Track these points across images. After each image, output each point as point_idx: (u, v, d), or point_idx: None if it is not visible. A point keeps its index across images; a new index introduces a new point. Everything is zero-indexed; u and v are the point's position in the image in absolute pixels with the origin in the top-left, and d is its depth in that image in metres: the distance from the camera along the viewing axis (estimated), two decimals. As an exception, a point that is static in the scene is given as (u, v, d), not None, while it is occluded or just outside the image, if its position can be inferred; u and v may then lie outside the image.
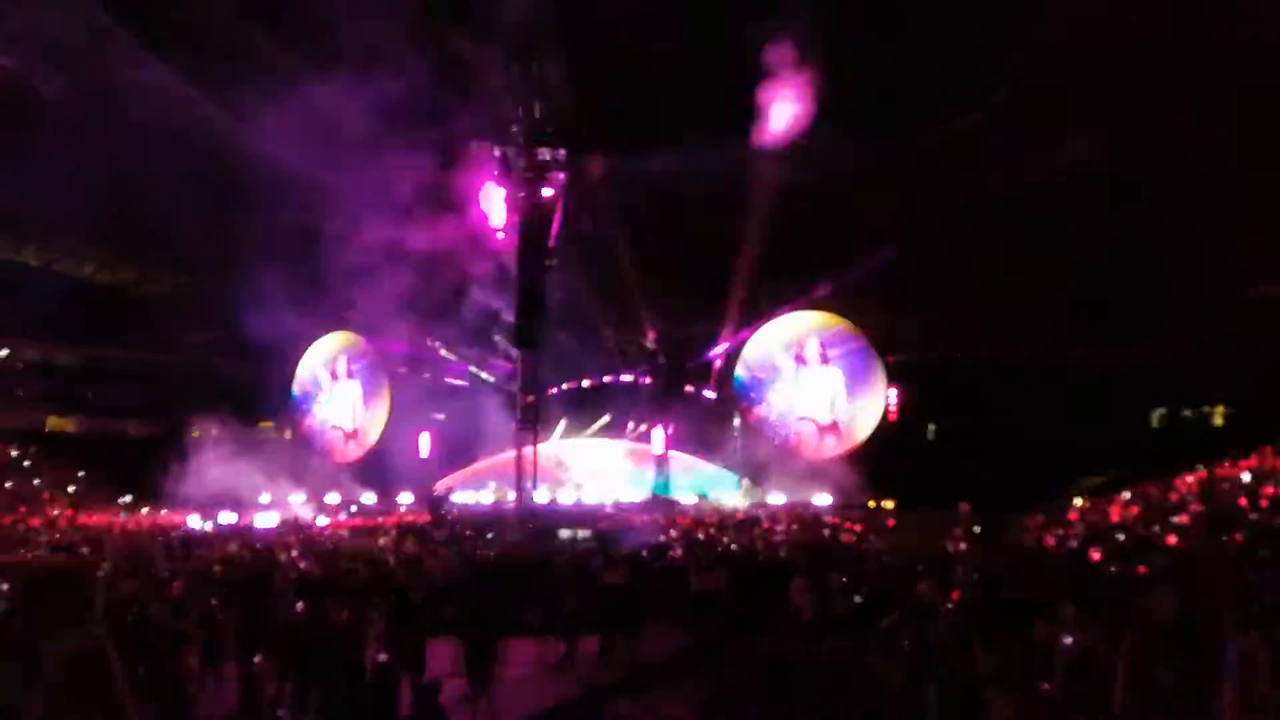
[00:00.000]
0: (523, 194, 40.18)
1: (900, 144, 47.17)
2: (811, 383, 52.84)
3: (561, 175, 40.86)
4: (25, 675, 11.89)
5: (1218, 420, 47.05)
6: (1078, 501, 38.51)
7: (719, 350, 55.25)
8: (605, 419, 56.25)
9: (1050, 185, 46.51)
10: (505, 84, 40.77)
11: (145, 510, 43.67)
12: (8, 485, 43.81)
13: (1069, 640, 9.66)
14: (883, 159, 46.95)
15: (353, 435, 58.34)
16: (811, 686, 14.37)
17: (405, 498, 51.61)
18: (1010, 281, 47.85)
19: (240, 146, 42.10)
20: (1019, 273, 47.33)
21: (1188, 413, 47.45)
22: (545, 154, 40.41)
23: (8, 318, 53.08)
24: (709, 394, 55.98)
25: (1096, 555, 19.69)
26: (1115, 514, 32.23)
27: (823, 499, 48.23)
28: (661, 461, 53.17)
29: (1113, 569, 16.12)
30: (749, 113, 44.02)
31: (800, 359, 53.13)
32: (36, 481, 45.92)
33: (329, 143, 40.92)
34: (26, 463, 47.43)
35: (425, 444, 53.63)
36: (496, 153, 40.74)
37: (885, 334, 52.69)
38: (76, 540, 29.75)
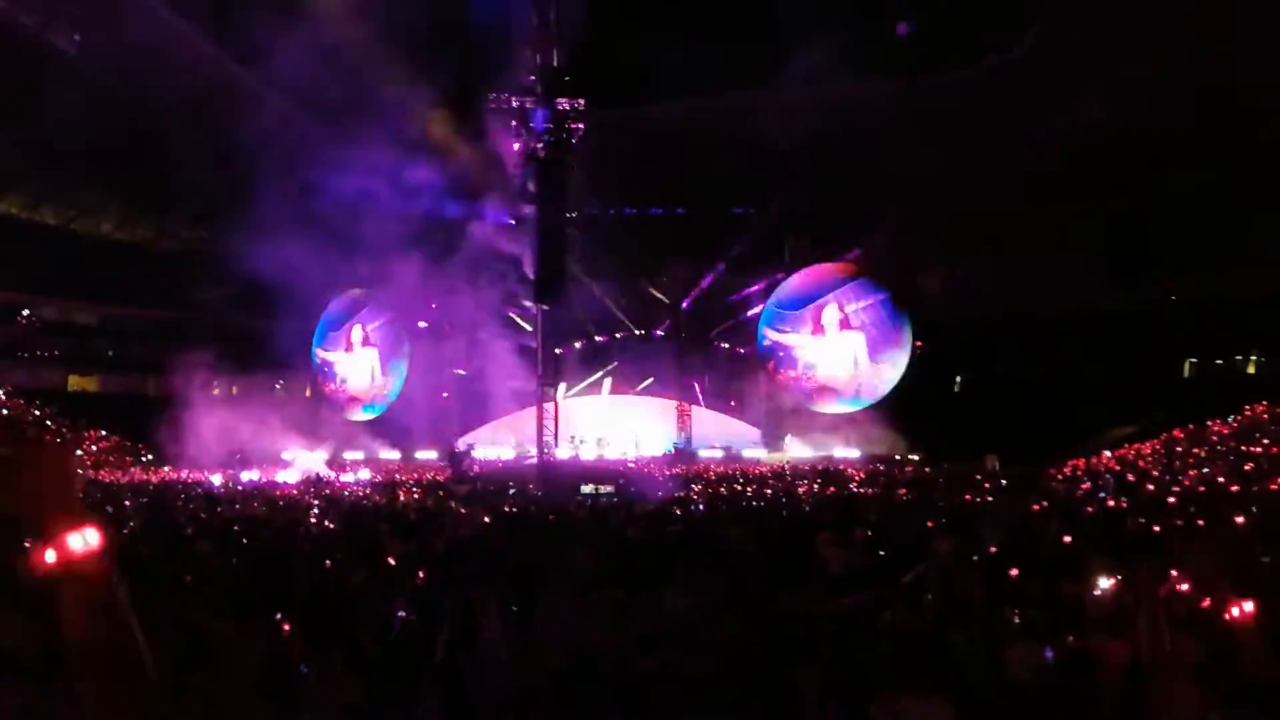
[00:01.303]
0: (542, 145, 39.61)
1: (926, 93, 46.45)
2: (835, 337, 52.38)
3: (581, 125, 40.28)
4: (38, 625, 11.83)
5: (1250, 369, 46.40)
6: (1107, 452, 38.17)
7: (743, 305, 54.85)
8: (612, 367, 55.85)
9: (1081, 132, 45.73)
10: (524, 32, 40.08)
11: (166, 468, 43.84)
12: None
13: (1098, 593, 9.37)
14: (909, 108, 46.24)
15: (372, 391, 58.38)
16: (836, 641, 14.18)
17: (426, 454, 51.74)
18: (1039, 231, 47.22)
19: (257, 99, 41.81)
20: (1048, 222, 46.68)
21: (1219, 361, 46.78)
22: (564, 104, 39.83)
23: (27, 276, 53.22)
24: (731, 348, 55.66)
25: (1125, 505, 19.37)
26: (1145, 463, 31.85)
27: (848, 453, 48.05)
28: (684, 416, 53.01)
29: (1142, 520, 15.77)
30: (773, 61, 43.22)
31: (825, 314, 52.61)
32: (58, 441, 46.18)
33: (347, 95, 40.58)
34: (48, 422, 47.72)
35: (445, 400, 53.64)
36: (515, 103, 40.14)
37: (912, 286, 52.16)
38: (97, 498, 29.80)
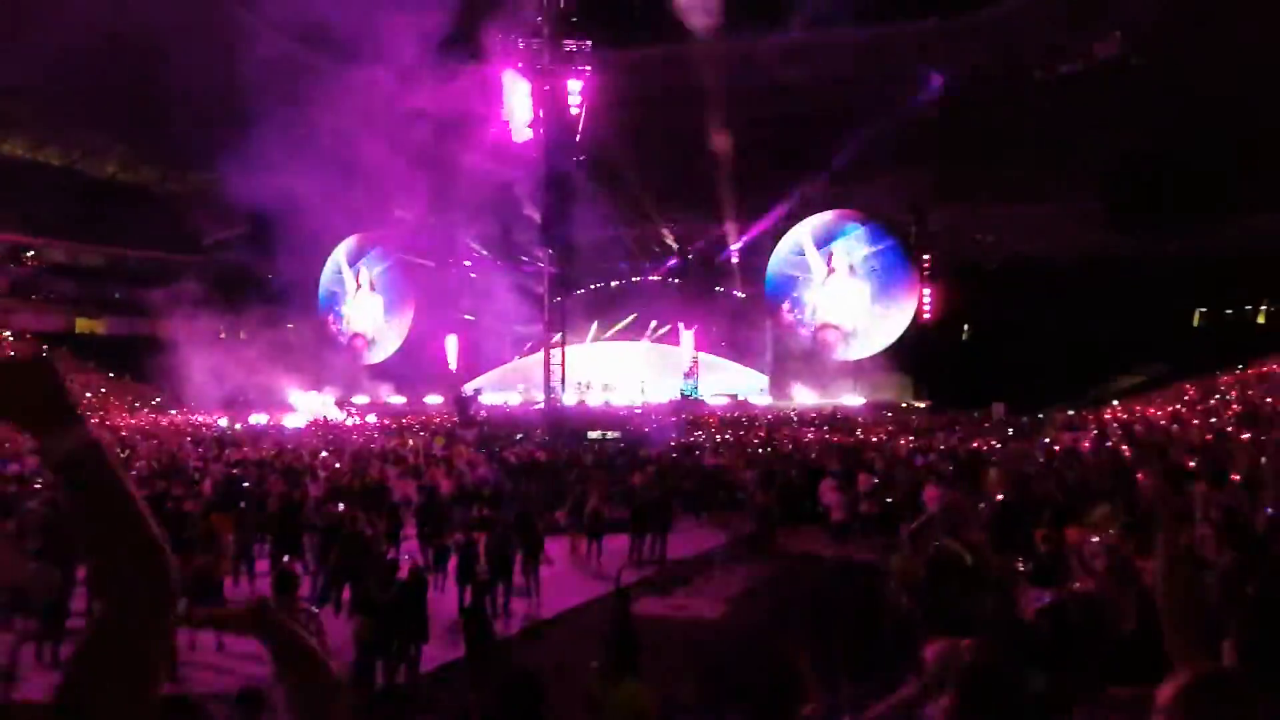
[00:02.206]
0: (548, 87, 39.13)
1: (935, 32, 45.88)
2: (841, 284, 52.16)
3: (588, 67, 39.77)
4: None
5: (1260, 319, 46.14)
6: (1115, 401, 38.13)
7: (746, 248, 54.54)
8: (632, 317, 55.71)
9: (1090, 76, 45.19)
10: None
11: (175, 411, 44.04)
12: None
13: (1104, 541, 9.38)
14: (916, 48, 45.71)
15: (378, 336, 58.45)
16: (839, 585, 14.27)
17: (433, 399, 51.86)
18: (1048, 177, 46.78)
19: (261, 35, 41.38)
20: (1058, 168, 46.23)
21: (1229, 311, 46.50)
22: (570, 45, 39.30)
23: (32, 219, 53.09)
24: (738, 294, 55.48)
25: (1129, 453, 19.38)
26: (1152, 413, 31.79)
27: (855, 400, 48.09)
28: (691, 362, 52.99)
29: (1148, 468, 15.76)
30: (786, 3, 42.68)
31: (835, 258, 52.36)
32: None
33: (352, 35, 40.13)
34: (56, 364, 47.80)
35: (452, 345, 53.67)
36: (521, 44, 39.59)
37: (919, 232, 51.82)
38: (107, 441, 30.01)
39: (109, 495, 1.55)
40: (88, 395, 45.44)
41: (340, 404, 48.67)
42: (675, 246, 56.17)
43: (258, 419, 41.09)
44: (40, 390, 1.57)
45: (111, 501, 1.55)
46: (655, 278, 56.04)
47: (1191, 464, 15.68)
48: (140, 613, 1.55)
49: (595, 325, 55.93)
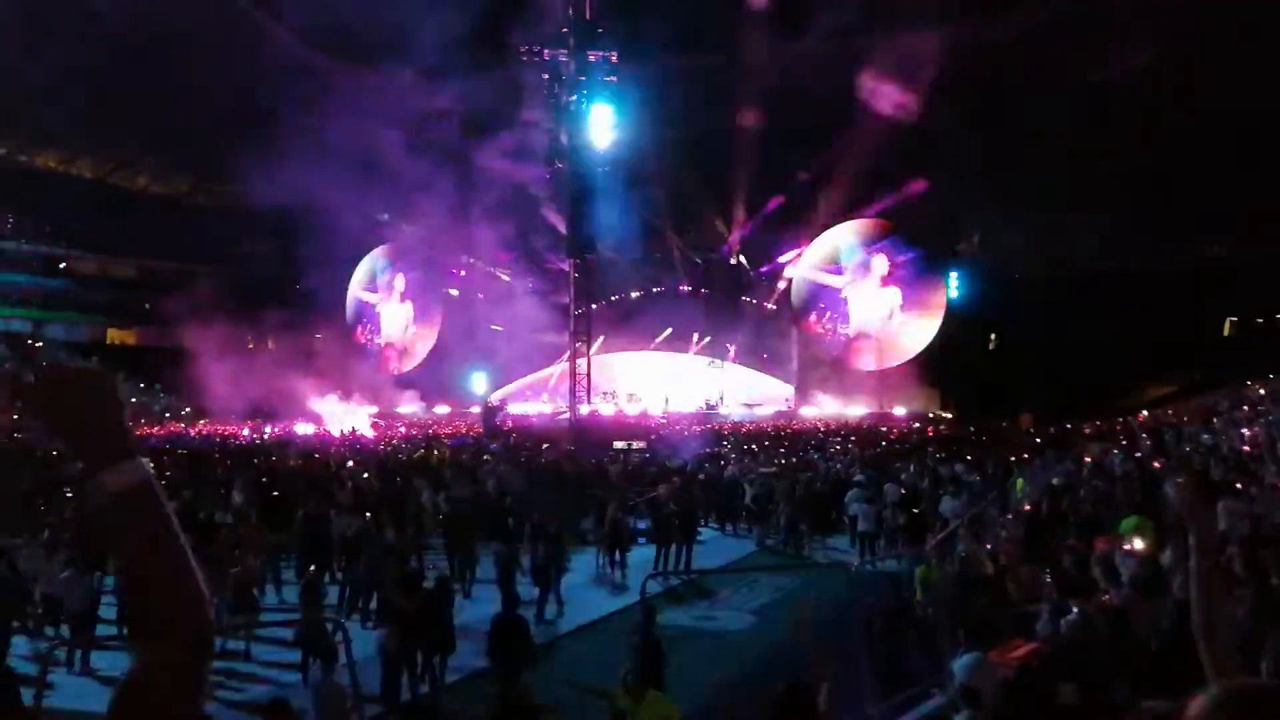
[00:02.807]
0: (573, 97, 39.18)
1: (964, 47, 45.66)
2: (869, 295, 51.93)
3: (613, 78, 39.81)
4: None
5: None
6: (1143, 412, 37.75)
7: (777, 261, 54.46)
8: (668, 332, 55.48)
9: (1119, 87, 44.89)
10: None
11: (204, 421, 44.33)
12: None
13: (1134, 553, 9.30)
14: (947, 63, 45.52)
15: (405, 346, 58.71)
16: (867, 596, 14.18)
17: (460, 409, 51.99)
18: (1078, 186, 46.52)
19: (293, 55, 41.73)
20: (1087, 177, 45.98)
21: (1260, 320, 45.96)
22: (596, 56, 39.33)
23: (64, 230, 53.70)
24: (766, 305, 55.33)
25: (1159, 465, 19.18)
26: (1183, 423, 31.42)
27: (882, 410, 47.86)
28: (716, 372, 52.87)
29: (1179, 480, 15.60)
30: (802, 15, 42.65)
31: (858, 270, 52.17)
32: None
33: (379, 44, 40.39)
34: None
35: (480, 380, 53.71)
36: (546, 55, 39.66)
37: (948, 243, 51.62)
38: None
39: (157, 537, 1.52)
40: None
41: (368, 413, 48.85)
42: (701, 257, 56.11)
43: (287, 428, 41.31)
44: (104, 413, 1.51)
45: (159, 544, 1.51)
46: (685, 288, 55.91)
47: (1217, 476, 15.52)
48: (179, 658, 1.51)
49: (602, 338, 55.52)
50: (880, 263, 51.65)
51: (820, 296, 53.36)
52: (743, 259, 55.79)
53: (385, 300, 59.24)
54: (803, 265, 53.66)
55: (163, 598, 1.52)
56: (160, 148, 53.87)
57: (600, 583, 17.12)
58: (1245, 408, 30.71)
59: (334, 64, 43.59)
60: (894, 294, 51.52)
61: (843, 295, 52.75)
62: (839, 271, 52.81)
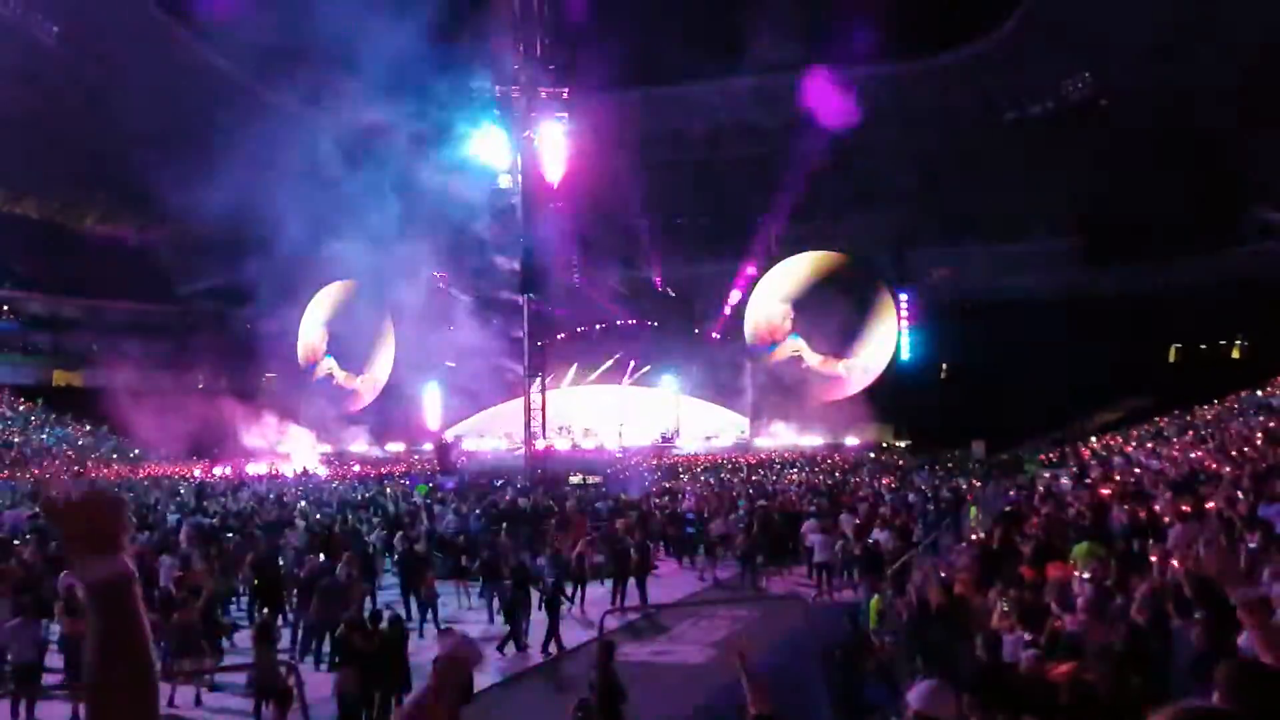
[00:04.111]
0: (526, 133, 39.36)
1: (910, 76, 46.54)
2: (821, 324, 52.31)
3: (565, 114, 40.08)
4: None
5: (1235, 353, 46.51)
6: (1093, 438, 38.25)
7: (729, 292, 54.80)
8: (612, 360, 55.53)
9: (1062, 114, 45.94)
10: (508, 21, 39.73)
11: (150, 463, 43.60)
12: (16, 441, 43.79)
13: (1085, 578, 9.43)
14: (893, 91, 46.32)
15: (358, 384, 58.21)
16: (824, 627, 14.21)
17: (414, 446, 51.60)
18: (1023, 214, 47.42)
19: (239, 89, 41.55)
20: (1032, 205, 46.87)
21: (1203, 346, 46.86)
22: (547, 92, 39.58)
23: (10, 272, 52.78)
24: (717, 336, 55.58)
25: (1107, 492, 19.47)
26: (1129, 449, 31.94)
27: (836, 440, 48.15)
28: (672, 405, 52.94)
29: (1126, 507, 15.87)
30: (756, 46, 43.17)
31: (810, 300, 52.58)
32: (44, 436, 45.88)
33: (333, 90, 40.35)
34: (33, 418, 47.38)
35: (432, 395, 53.43)
36: (499, 92, 39.85)
37: (897, 271, 52.24)
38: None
39: (126, 629, 1.62)
40: (65, 448, 45.00)
41: (319, 452, 48.33)
42: (659, 290, 56.32)
43: (237, 469, 40.79)
44: (105, 521, 1.66)
45: (126, 635, 1.62)
46: (633, 321, 56.01)
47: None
48: None
49: (574, 368, 55.72)
50: (829, 293, 52.02)
51: (772, 328, 53.74)
52: (692, 291, 56.04)
53: (337, 337, 58.71)
54: (755, 296, 54.05)
55: (119, 682, 1.61)
56: (108, 187, 53.20)
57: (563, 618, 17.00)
58: (1190, 433, 31.30)
59: (283, 98, 43.46)
60: (847, 322, 51.96)
61: (794, 327, 53.16)
62: (793, 303, 53.24)
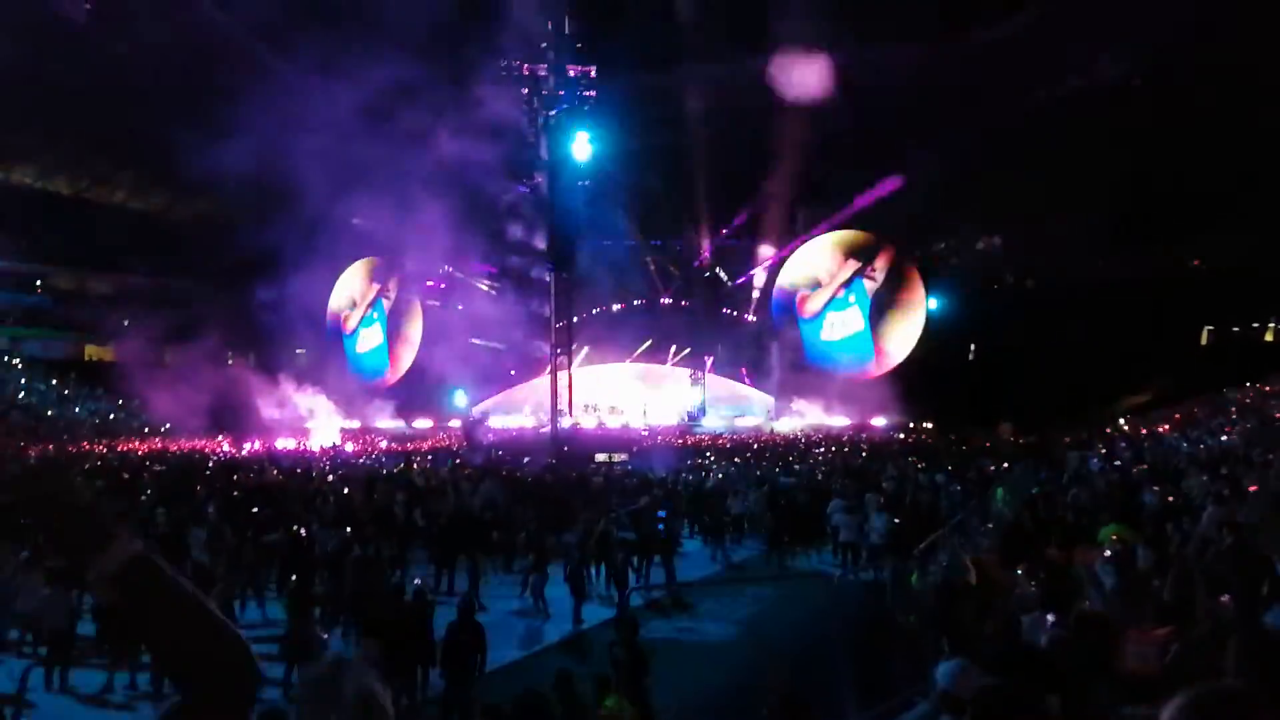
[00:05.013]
0: (554, 112, 39.29)
1: (939, 56, 46.01)
2: (849, 304, 52.13)
3: (592, 92, 39.96)
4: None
5: (1268, 336, 46.00)
6: (1122, 421, 37.98)
7: (757, 272, 54.63)
8: (647, 344, 55.44)
9: (1095, 97, 45.30)
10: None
11: (182, 437, 43.96)
12: (49, 414, 44.26)
13: (1113, 561, 9.35)
14: (922, 72, 45.84)
15: (386, 360, 58.48)
16: (849, 605, 14.21)
17: (441, 422, 51.80)
18: (1056, 196, 46.89)
19: (270, 68, 41.58)
20: (1065, 187, 46.35)
21: (1235, 329, 46.36)
22: (575, 70, 39.49)
23: (41, 247, 53.24)
24: (747, 317, 55.45)
25: (1139, 473, 19.34)
26: (1160, 432, 31.67)
27: (863, 420, 48.00)
28: (697, 384, 52.92)
29: (1156, 489, 15.74)
30: (785, 24, 42.86)
31: (838, 280, 52.38)
32: (76, 410, 46.34)
33: (359, 63, 40.29)
34: (66, 391, 47.83)
35: (460, 398, 53.50)
36: (526, 70, 39.79)
37: (926, 252, 51.91)
38: (116, 468, 29.95)
39: (167, 599, 1.63)
40: (97, 422, 45.45)
41: (348, 428, 48.59)
42: (681, 269, 56.20)
43: (266, 443, 41.05)
44: (81, 526, 1.67)
45: (170, 605, 1.63)
46: (666, 300, 55.96)
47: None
48: (224, 700, 1.64)
49: (586, 350, 55.47)
50: (859, 274, 51.83)
51: (800, 309, 53.55)
52: (720, 271, 55.94)
53: (365, 313, 59.04)
54: (784, 276, 53.85)
55: (190, 649, 1.63)
56: (137, 162, 53.53)
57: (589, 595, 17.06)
58: (1221, 416, 31.00)
59: (312, 76, 43.49)
60: (874, 304, 51.74)
61: (823, 307, 52.97)
62: (820, 283, 53.02)
